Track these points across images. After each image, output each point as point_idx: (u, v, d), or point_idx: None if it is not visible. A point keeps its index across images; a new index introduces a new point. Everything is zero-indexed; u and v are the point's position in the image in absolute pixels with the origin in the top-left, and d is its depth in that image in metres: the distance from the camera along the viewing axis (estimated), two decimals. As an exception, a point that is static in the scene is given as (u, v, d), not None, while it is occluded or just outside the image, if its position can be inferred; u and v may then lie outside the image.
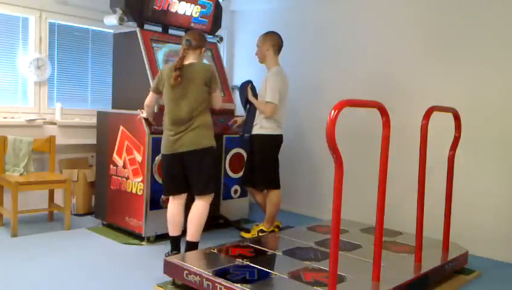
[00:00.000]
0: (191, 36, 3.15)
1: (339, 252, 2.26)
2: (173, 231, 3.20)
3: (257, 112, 3.80)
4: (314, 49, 4.87)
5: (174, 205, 3.18)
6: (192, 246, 3.08)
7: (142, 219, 3.59)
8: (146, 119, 3.55)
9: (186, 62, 3.10)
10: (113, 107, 4.15)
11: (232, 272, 2.59)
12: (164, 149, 3.14)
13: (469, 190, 3.68)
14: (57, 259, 3.20)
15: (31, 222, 4.05)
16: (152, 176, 3.57)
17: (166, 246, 3.55)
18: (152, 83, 3.33)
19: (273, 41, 3.78)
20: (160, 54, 3.99)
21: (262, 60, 3.86)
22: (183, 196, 3.20)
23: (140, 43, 3.82)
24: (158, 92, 3.21)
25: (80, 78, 4.69)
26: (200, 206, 3.12)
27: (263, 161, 3.77)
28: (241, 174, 4.22)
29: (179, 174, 3.12)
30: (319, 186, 4.76)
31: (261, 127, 3.76)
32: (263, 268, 2.70)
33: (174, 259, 2.76)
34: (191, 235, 3.08)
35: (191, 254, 2.92)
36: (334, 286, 2.24)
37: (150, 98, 3.31)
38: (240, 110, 5.20)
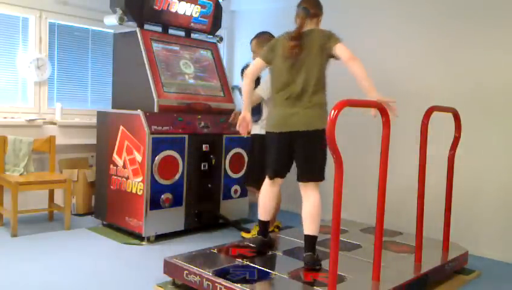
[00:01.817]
0: (307, 4, 2.87)
1: (339, 252, 2.26)
2: (263, 215, 3.05)
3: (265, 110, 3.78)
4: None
5: (269, 190, 3.01)
6: (311, 239, 2.80)
7: (142, 219, 3.59)
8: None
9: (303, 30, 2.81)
10: (113, 107, 4.15)
11: (232, 272, 2.59)
12: (272, 127, 2.88)
13: (469, 189, 3.68)
14: (57, 259, 3.20)
15: (31, 222, 4.05)
16: (152, 176, 3.57)
17: (166, 246, 3.56)
18: (261, 52, 2.98)
19: (267, 42, 3.75)
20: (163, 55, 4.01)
21: None
22: (280, 182, 3.01)
23: (140, 43, 3.83)
24: (268, 61, 2.90)
25: (80, 78, 4.69)
26: (313, 197, 2.82)
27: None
28: (241, 174, 4.23)
29: (284, 156, 2.89)
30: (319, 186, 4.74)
31: (262, 127, 3.75)
32: (263, 268, 2.70)
33: (174, 259, 2.76)
34: (309, 229, 2.79)
35: (191, 254, 2.92)
36: (334, 286, 2.24)
37: (256, 65, 2.95)
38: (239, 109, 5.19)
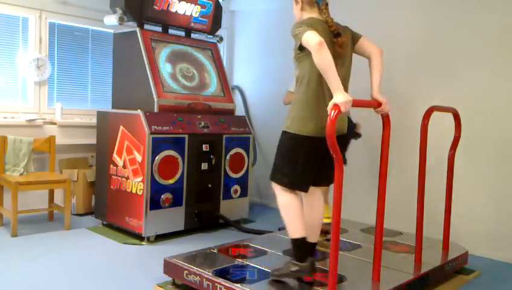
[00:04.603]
0: None
1: (339, 252, 2.26)
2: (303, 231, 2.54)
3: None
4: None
5: (297, 196, 2.56)
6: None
7: (142, 219, 3.59)
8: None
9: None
10: (113, 107, 4.15)
11: (232, 272, 2.59)
12: (318, 131, 2.38)
13: (469, 189, 3.68)
14: (57, 259, 3.20)
15: (31, 222, 4.05)
16: (152, 176, 3.57)
17: (166, 246, 3.56)
18: (302, 29, 2.31)
19: None
20: (163, 54, 4.00)
21: None
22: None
23: (141, 43, 3.83)
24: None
25: (80, 78, 4.69)
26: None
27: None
28: (241, 174, 4.23)
29: (319, 163, 2.49)
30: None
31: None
32: (263, 268, 2.69)
33: (174, 259, 2.76)
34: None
35: (191, 254, 2.92)
36: (334, 286, 2.24)
37: (318, 36, 2.26)
38: (240, 111, 5.21)
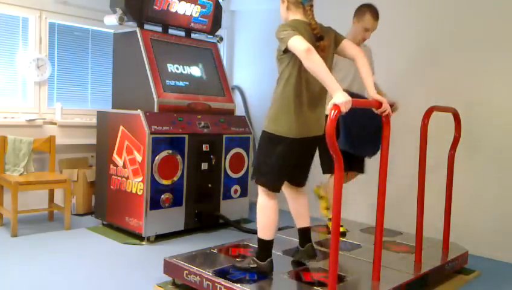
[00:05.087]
0: None
1: (339, 252, 2.26)
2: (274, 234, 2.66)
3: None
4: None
5: (276, 202, 2.62)
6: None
7: (142, 219, 3.59)
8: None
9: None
10: (113, 107, 4.15)
11: (232, 272, 2.59)
12: (293, 132, 2.47)
13: (469, 190, 3.68)
14: (57, 259, 3.20)
15: (31, 222, 4.05)
16: (152, 176, 3.57)
17: (166, 246, 3.56)
18: (288, 33, 2.33)
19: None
20: (163, 54, 3.98)
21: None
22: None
23: (141, 43, 3.83)
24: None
25: (80, 78, 4.69)
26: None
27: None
28: (241, 174, 4.23)
29: (294, 163, 2.59)
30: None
31: None
32: (263, 268, 2.69)
33: (174, 259, 2.76)
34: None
35: (191, 254, 2.91)
36: (334, 286, 2.24)
37: (305, 41, 2.29)
38: (240, 111, 5.21)
